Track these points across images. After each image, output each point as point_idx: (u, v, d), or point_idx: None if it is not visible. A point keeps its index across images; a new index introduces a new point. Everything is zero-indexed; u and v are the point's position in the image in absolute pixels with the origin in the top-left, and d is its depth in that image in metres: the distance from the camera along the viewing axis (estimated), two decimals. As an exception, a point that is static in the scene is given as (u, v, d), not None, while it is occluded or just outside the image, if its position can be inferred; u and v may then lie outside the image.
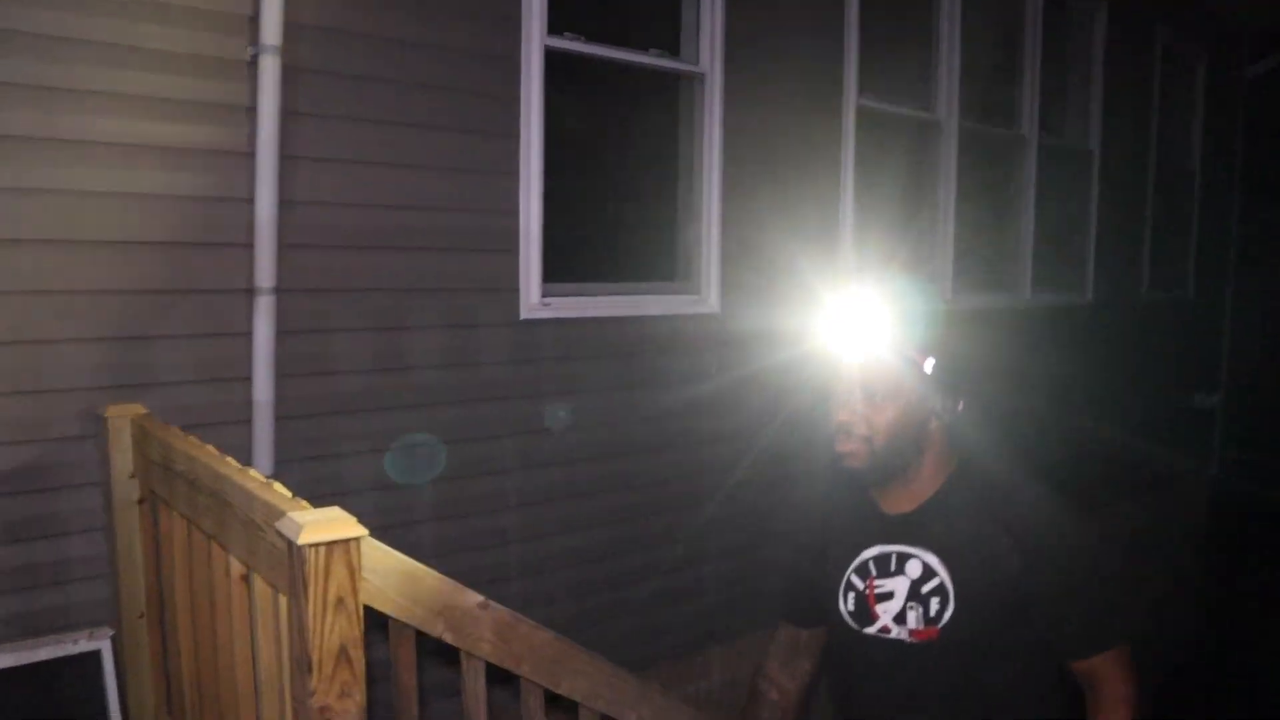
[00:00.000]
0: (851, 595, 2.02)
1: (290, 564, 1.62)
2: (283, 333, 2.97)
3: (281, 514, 1.70)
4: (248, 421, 2.94)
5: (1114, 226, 6.90)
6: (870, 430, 1.89)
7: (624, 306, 3.94)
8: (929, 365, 1.88)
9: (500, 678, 2.05)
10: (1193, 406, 8.36)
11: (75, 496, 2.73)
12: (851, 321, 1.91)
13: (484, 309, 3.50)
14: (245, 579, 2.07)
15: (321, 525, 1.63)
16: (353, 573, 1.65)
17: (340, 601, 1.65)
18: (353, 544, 1.65)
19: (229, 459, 2.20)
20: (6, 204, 2.59)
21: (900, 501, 1.99)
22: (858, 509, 2.06)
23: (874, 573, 1.99)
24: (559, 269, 3.73)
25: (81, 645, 2.73)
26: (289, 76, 2.97)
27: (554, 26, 3.66)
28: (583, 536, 3.84)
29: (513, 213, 3.56)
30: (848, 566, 2.04)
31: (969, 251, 5.67)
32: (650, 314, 4.02)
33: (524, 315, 3.59)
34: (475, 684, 1.97)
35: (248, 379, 2.94)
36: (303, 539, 1.59)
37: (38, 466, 2.68)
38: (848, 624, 2.03)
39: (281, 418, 2.98)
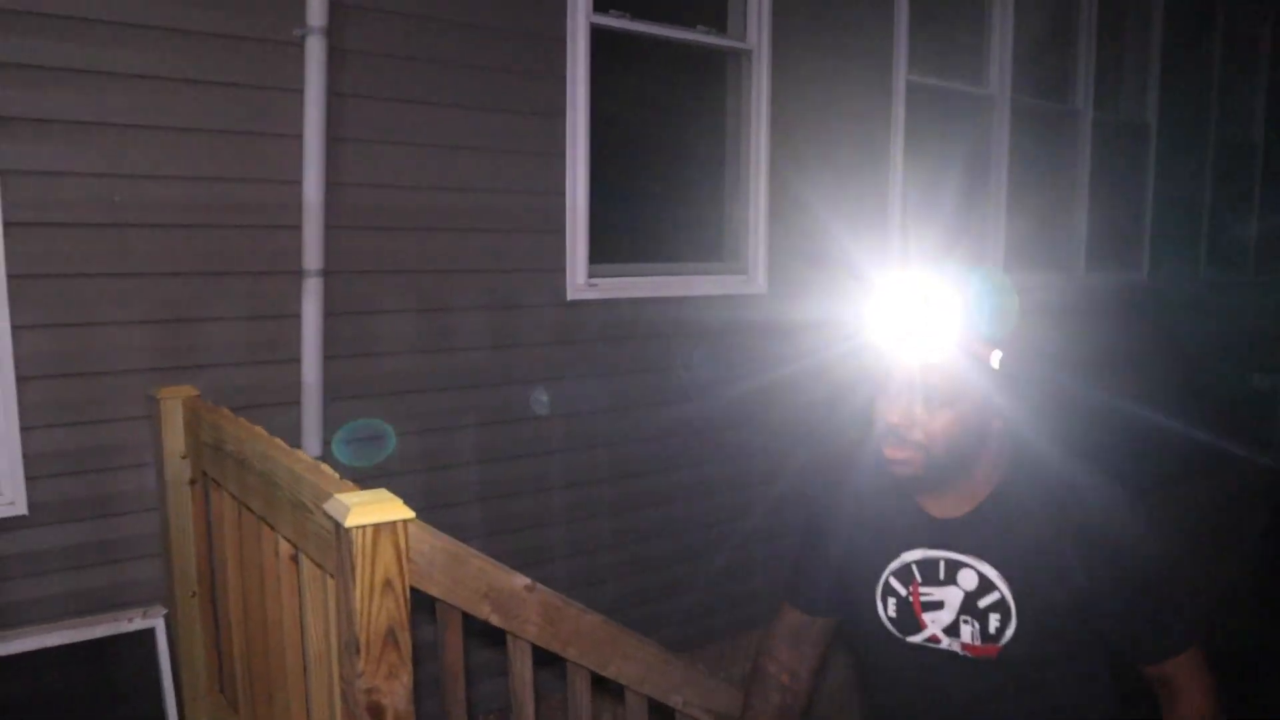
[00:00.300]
0: (892, 601, 1.84)
1: (338, 546, 1.62)
2: (330, 314, 2.99)
3: (328, 496, 1.71)
4: (296, 403, 2.96)
5: (1171, 202, 6.72)
6: (927, 437, 1.66)
7: (670, 287, 3.91)
8: (996, 360, 1.64)
9: (545, 659, 2.05)
10: (1251, 387, 8.15)
11: (130, 477, 2.77)
12: (908, 312, 1.67)
13: (530, 290, 3.50)
14: (294, 559, 2.08)
15: (369, 507, 1.63)
16: (400, 555, 1.65)
17: (387, 584, 1.65)
18: (399, 526, 1.65)
19: (278, 440, 2.21)
20: (59, 187, 2.62)
21: (949, 505, 1.78)
22: (897, 506, 1.86)
23: (918, 578, 1.81)
24: (605, 249, 3.71)
25: (136, 623, 2.78)
26: (335, 58, 2.97)
27: (599, 4, 3.63)
28: (630, 518, 3.83)
29: (558, 193, 3.54)
30: (884, 568, 1.85)
31: (1021, 229, 5.55)
32: (696, 295, 3.99)
33: (570, 296, 3.58)
34: (521, 665, 1.97)
35: (296, 360, 2.96)
36: (350, 521, 1.59)
37: (95, 447, 2.72)
38: (888, 630, 1.86)
39: (330, 399, 3.00)
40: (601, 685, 2.17)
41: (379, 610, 1.64)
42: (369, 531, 1.61)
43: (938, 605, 1.79)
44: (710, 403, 4.04)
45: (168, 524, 2.72)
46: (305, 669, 2.06)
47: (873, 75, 4.61)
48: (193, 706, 2.77)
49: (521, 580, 1.95)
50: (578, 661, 2.04)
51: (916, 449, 1.68)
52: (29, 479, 2.63)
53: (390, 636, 1.67)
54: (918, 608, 1.82)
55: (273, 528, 2.10)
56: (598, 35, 3.63)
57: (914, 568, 1.82)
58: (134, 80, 2.71)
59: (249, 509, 2.25)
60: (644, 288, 3.83)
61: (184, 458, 2.68)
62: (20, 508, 2.62)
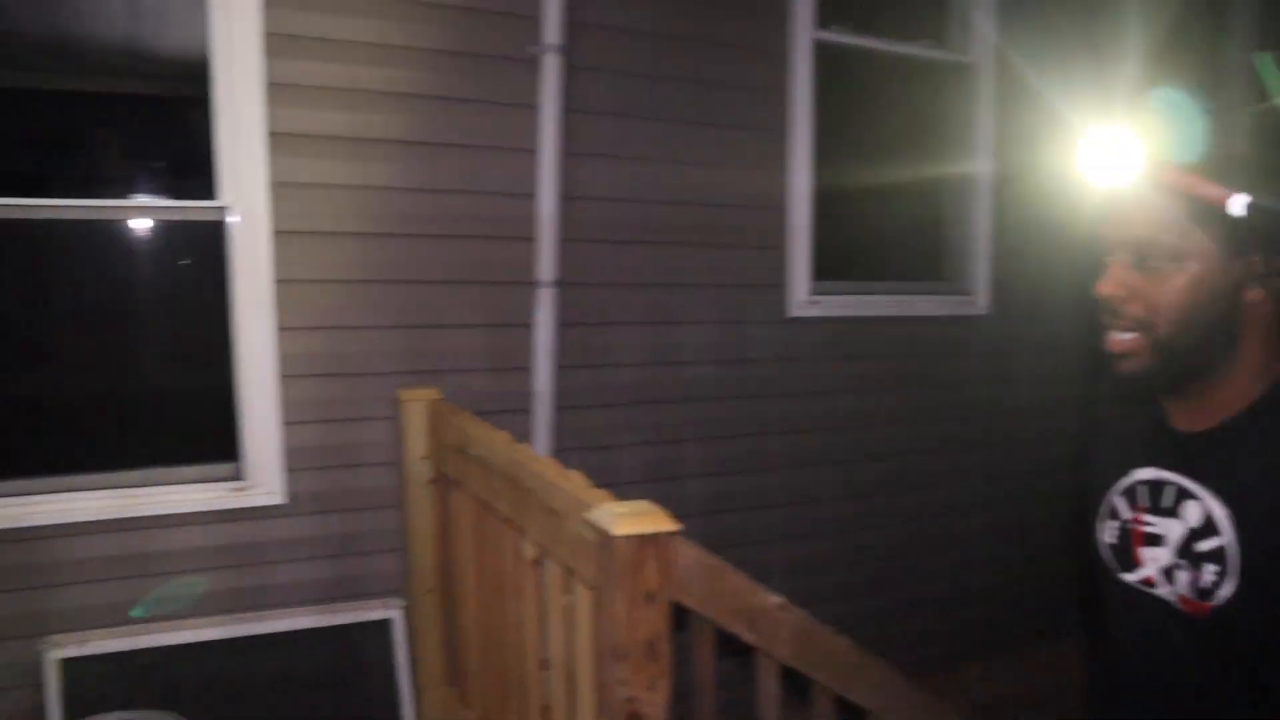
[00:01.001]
0: (1114, 526, 1.48)
1: (600, 555, 1.64)
2: (562, 324, 3.06)
3: (588, 505, 1.73)
4: (527, 410, 3.04)
5: None
6: (1149, 311, 1.29)
7: (892, 306, 3.82)
8: (1238, 204, 1.19)
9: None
10: None
11: (375, 474, 2.91)
12: (1114, 143, 1.29)
13: (752, 305, 3.48)
14: (537, 563, 2.13)
15: (635, 519, 1.64)
16: (663, 567, 1.65)
17: (650, 595, 1.65)
18: (664, 538, 1.65)
19: (523, 445, 2.26)
20: (317, 199, 2.79)
21: (1196, 413, 1.36)
22: (1139, 415, 1.48)
23: (1144, 503, 1.43)
24: (827, 266, 3.65)
25: (376, 613, 2.91)
26: (569, 74, 3.05)
27: (823, 19, 3.59)
28: (851, 539, 3.75)
29: (780, 208, 3.52)
30: (1112, 485, 1.49)
31: None
32: (918, 314, 3.88)
33: (792, 312, 3.54)
34: (769, 683, 1.94)
35: (528, 369, 3.04)
36: (617, 531, 1.60)
37: (344, 444, 2.88)
38: (1106, 561, 1.50)
39: (559, 407, 3.06)
40: (837, 702, 2.11)
41: (642, 621, 1.64)
42: (635, 542, 1.62)
43: (1156, 540, 1.41)
44: (932, 425, 3.91)
45: (408, 521, 2.84)
46: (545, 671, 2.10)
47: (1104, 89, 4.36)
48: (425, 696, 2.87)
49: (775, 599, 1.92)
50: (825, 684, 1.99)
51: (1139, 329, 1.30)
52: (288, 471, 2.80)
53: (651, 647, 1.67)
54: (1136, 538, 1.44)
55: (518, 531, 2.15)
56: (821, 50, 3.59)
57: (1142, 489, 1.45)
58: (385, 97, 2.86)
59: (493, 511, 2.31)
60: (867, 306, 3.75)
61: (425, 458, 2.78)
62: (279, 497, 2.80)
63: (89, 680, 2.64)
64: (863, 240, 4.00)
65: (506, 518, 2.22)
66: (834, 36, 3.65)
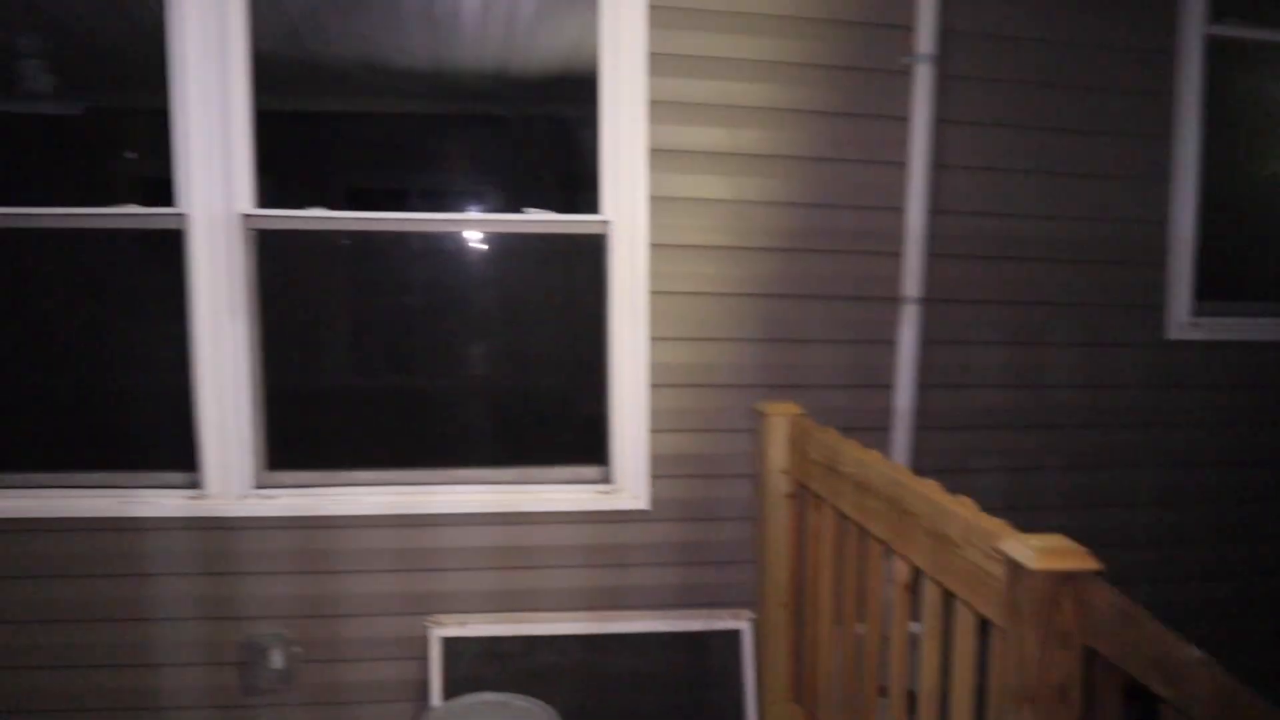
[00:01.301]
0: None
1: (1010, 589, 1.56)
2: (925, 342, 2.96)
3: (992, 534, 1.65)
4: (885, 428, 2.97)
5: None
6: None
7: (1286, 330, 3.41)
8: None
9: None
10: None
11: (731, 485, 2.95)
12: None
13: (1124, 327, 3.22)
14: (909, 588, 2.06)
15: (1054, 554, 1.55)
16: (1081, 608, 1.55)
17: (1065, 636, 1.56)
18: (1084, 577, 1.55)
19: (901, 467, 2.19)
20: (690, 212, 2.86)
21: None
22: None
23: None
24: (1212, 284, 3.31)
25: (726, 623, 2.95)
26: (941, 84, 2.95)
27: (1215, 13, 3.26)
28: (1225, 586, 3.39)
29: (1160, 221, 3.23)
30: None
31: None
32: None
33: (1171, 335, 3.24)
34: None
35: (888, 386, 2.97)
36: (1035, 565, 1.52)
37: (704, 454, 2.93)
38: None
39: (918, 427, 2.97)
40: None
41: (1054, 663, 1.56)
42: (1053, 579, 1.53)
43: None
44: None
45: (763, 534, 2.85)
46: (912, 699, 2.03)
47: None
48: (770, 710, 2.87)
49: (1195, 653, 1.73)
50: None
51: None
52: (653, 478, 2.89)
53: (1062, 693, 1.58)
54: None
55: (895, 553, 2.09)
56: (1212, 46, 3.26)
57: None
58: (756, 112, 2.88)
59: (861, 530, 2.27)
60: (1258, 329, 3.36)
61: (784, 472, 2.78)
62: (643, 503, 2.89)
63: (465, 659, 2.85)
64: (1256, 256, 3.60)
65: (878, 538, 2.18)
66: (1228, 31, 3.31)
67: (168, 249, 2.72)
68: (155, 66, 2.66)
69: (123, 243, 2.76)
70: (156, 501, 2.79)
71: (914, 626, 2.16)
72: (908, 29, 2.94)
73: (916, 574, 2.06)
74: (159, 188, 2.71)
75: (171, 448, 2.82)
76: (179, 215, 2.70)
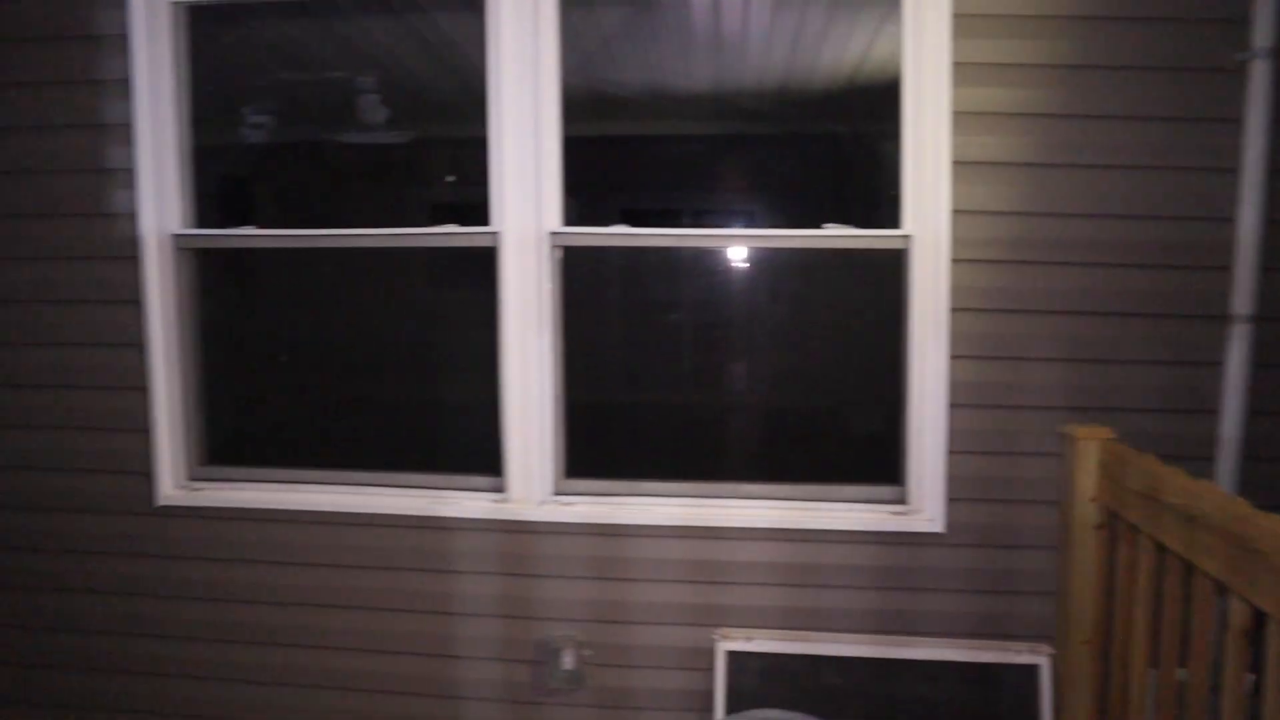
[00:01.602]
0: None
1: None
2: (1257, 365, 2.71)
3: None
4: (1208, 458, 2.74)
5: None
6: None
7: None
8: None
9: None
10: None
11: (1032, 511, 2.80)
12: None
13: None
14: (1246, 633, 1.89)
15: None
16: None
17: None
18: None
19: (1240, 500, 2.01)
20: (991, 225, 2.74)
21: None
22: None
23: None
24: None
25: (1023, 657, 2.80)
26: (1278, 81, 2.68)
27: None
28: None
29: None
30: None
31: None
32: None
33: None
34: None
35: (1212, 411, 2.73)
36: None
37: (1003, 478, 2.80)
38: None
39: (1248, 457, 2.72)
40: None
41: None
42: None
43: None
44: None
45: (1067, 565, 2.69)
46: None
47: None
48: (1072, 755, 2.71)
49: None
50: None
51: None
52: (949, 500, 2.79)
53: None
54: None
55: (1235, 594, 1.91)
56: None
57: None
58: (1061, 119, 2.73)
59: (1189, 566, 2.10)
60: None
61: (1093, 500, 2.61)
62: (939, 525, 2.80)
63: (749, 673, 2.85)
64: None
65: (1210, 575, 2.00)
66: None
67: (479, 268, 2.89)
68: (475, 101, 2.83)
69: (442, 260, 2.96)
70: (462, 503, 2.96)
71: (1250, 677, 1.99)
72: (1242, 23, 2.70)
73: (1260, 618, 1.88)
74: (466, 210, 2.89)
75: (478, 453, 2.98)
76: (493, 234, 2.86)
